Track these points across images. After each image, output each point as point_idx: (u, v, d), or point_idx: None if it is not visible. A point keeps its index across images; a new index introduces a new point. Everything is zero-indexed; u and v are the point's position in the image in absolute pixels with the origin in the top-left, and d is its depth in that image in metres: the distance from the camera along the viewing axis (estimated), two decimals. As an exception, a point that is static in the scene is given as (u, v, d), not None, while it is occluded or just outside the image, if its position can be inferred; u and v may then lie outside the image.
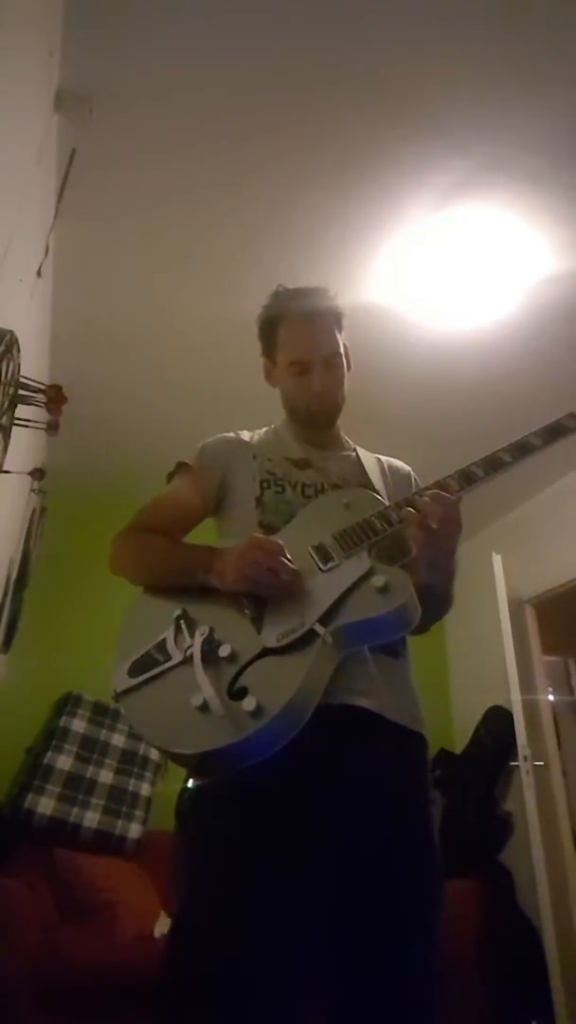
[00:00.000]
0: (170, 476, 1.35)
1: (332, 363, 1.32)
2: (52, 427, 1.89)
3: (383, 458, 1.42)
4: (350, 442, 1.43)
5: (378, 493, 1.26)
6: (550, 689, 3.95)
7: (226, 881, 0.95)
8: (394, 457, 1.45)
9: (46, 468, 2.81)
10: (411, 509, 1.10)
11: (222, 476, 1.30)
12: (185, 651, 0.99)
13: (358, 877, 1.00)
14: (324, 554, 1.09)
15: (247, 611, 1.03)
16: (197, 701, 0.91)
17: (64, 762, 2.95)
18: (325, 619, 0.99)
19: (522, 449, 1.19)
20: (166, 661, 1.00)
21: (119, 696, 1.00)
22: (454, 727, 4.13)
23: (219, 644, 0.99)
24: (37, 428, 1.91)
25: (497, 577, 3.48)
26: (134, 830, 2.94)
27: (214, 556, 1.09)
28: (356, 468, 1.35)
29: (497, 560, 3.53)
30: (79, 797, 2.88)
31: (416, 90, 1.91)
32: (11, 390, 1.49)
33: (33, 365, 2.08)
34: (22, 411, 1.67)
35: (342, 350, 1.34)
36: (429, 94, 1.92)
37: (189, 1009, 0.90)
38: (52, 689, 3.26)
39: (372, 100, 1.93)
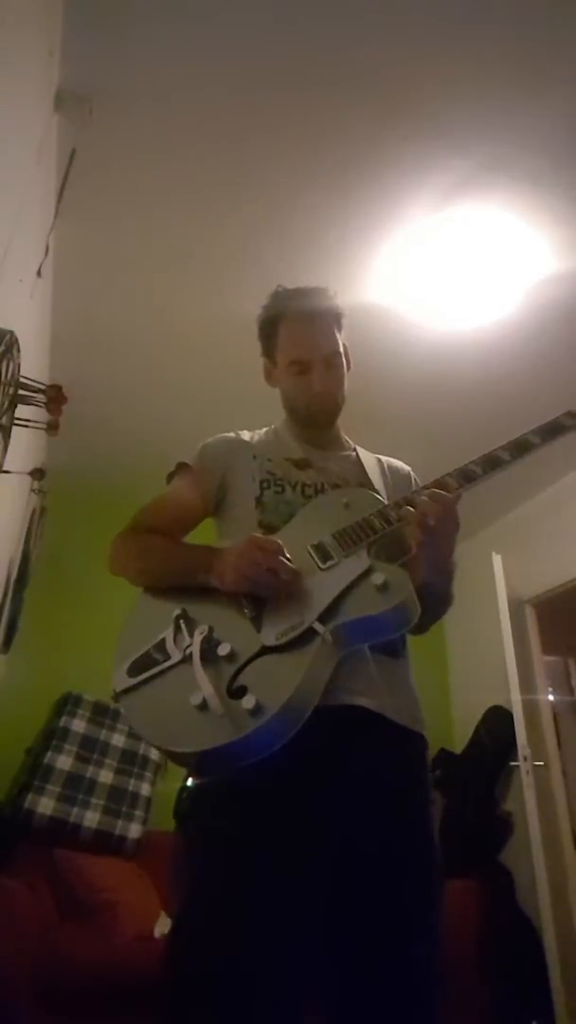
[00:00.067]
0: (170, 476, 1.35)
1: (332, 363, 1.32)
2: (52, 427, 1.89)
3: (383, 458, 1.43)
4: (350, 442, 1.43)
5: (378, 493, 1.26)
6: (550, 689, 3.95)
7: (226, 881, 0.95)
8: (394, 457, 1.45)
9: (46, 468, 2.81)
10: (410, 508, 1.10)
11: (222, 476, 1.30)
12: (184, 650, 0.99)
13: (358, 877, 1.00)
14: (323, 553, 1.09)
15: (246, 610, 1.03)
16: (196, 700, 0.92)
17: (64, 762, 2.95)
18: (324, 617, 0.99)
19: (521, 447, 1.19)
20: (165, 660, 1.00)
21: (118, 696, 1.01)
22: (454, 727, 4.13)
23: (218, 643, 0.99)
24: (37, 428, 1.91)
25: (497, 577, 3.48)
26: (134, 830, 2.94)
27: (214, 556, 1.09)
28: (356, 468, 1.35)
29: (497, 560, 3.53)
30: (79, 797, 2.88)
31: (416, 90, 1.91)
32: (11, 390, 1.49)
33: (33, 365, 2.08)
34: (22, 411, 1.67)
35: (342, 350, 1.34)
36: (429, 94, 1.92)
37: (189, 1009, 0.90)
38: (52, 689, 3.26)
39: (372, 100, 1.93)
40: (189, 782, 1.10)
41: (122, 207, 2.29)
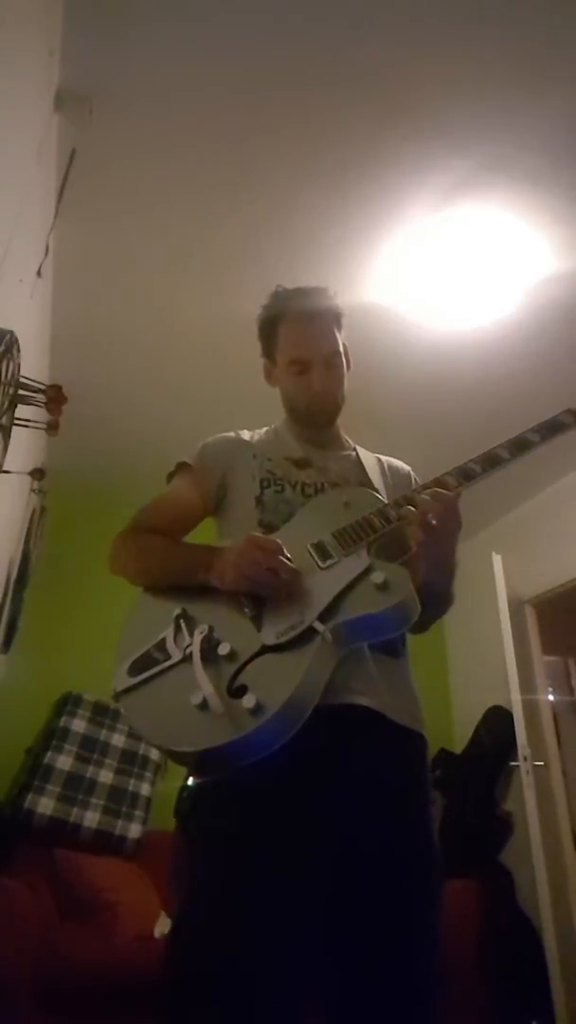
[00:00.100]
0: (170, 476, 1.35)
1: (332, 362, 1.32)
2: (52, 427, 1.89)
3: (383, 458, 1.43)
4: (350, 441, 1.43)
5: (377, 492, 1.26)
6: (550, 689, 3.95)
7: (226, 881, 0.95)
8: (394, 457, 1.45)
9: (46, 468, 2.81)
10: (410, 507, 1.10)
11: (222, 476, 1.30)
12: (184, 650, 0.99)
13: (358, 877, 1.00)
14: (323, 552, 1.09)
15: (246, 610, 1.03)
16: (197, 699, 0.91)
17: (64, 762, 2.95)
18: (324, 616, 0.99)
19: (520, 446, 1.19)
20: (166, 660, 1.00)
21: (119, 695, 1.01)
22: (454, 727, 4.14)
23: (218, 643, 0.99)
24: (37, 428, 1.91)
25: (497, 577, 3.48)
26: (134, 830, 2.94)
27: (214, 555, 1.09)
28: (356, 467, 1.35)
29: (497, 560, 3.53)
30: (79, 797, 2.88)
31: (416, 90, 1.91)
32: (11, 390, 1.49)
33: (33, 365, 2.08)
34: (22, 411, 1.67)
35: (342, 349, 1.34)
36: (429, 94, 1.92)
37: (189, 1009, 0.90)
38: (52, 689, 3.26)
39: (372, 100, 1.93)
40: (190, 781, 1.09)
41: (122, 207, 2.29)
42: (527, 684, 3.36)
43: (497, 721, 3.71)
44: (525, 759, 3.13)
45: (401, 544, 1.15)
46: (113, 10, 1.74)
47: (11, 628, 2.80)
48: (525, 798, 3.09)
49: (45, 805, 2.77)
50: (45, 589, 3.42)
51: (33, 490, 2.81)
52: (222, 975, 0.89)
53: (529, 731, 3.22)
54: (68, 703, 3.17)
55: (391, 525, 1.11)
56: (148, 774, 3.16)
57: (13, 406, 1.57)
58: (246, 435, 1.38)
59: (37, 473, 2.52)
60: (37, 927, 2.24)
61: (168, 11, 1.73)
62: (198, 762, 0.96)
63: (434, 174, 2.13)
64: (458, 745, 3.96)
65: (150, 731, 1.00)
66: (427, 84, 1.89)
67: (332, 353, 1.32)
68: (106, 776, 3.03)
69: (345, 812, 1.01)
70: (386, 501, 1.19)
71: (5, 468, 1.60)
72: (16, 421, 1.63)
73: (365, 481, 1.31)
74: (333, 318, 1.35)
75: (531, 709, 3.35)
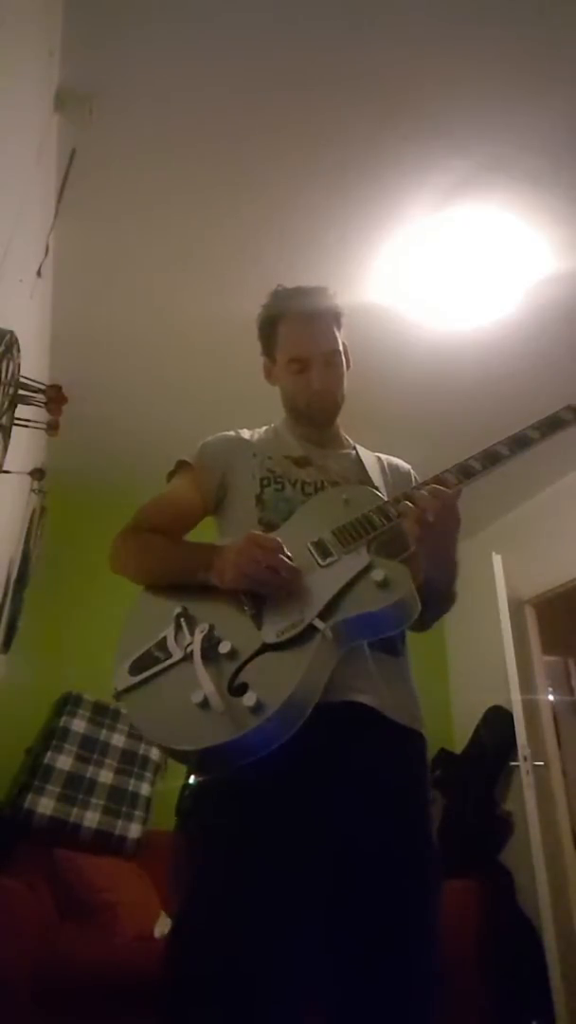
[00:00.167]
0: (170, 475, 1.35)
1: (331, 361, 1.32)
2: (52, 427, 1.89)
3: (383, 456, 1.43)
4: (350, 440, 1.44)
5: (378, 490, 1.26)
6: (550, 689, 3.95)
7: (226, 880, 0.95)
8: (394, 456, 1.45)
9: (46, 468, 2.81)
10: (409, 504, 1.10)
11: (222, 475, 1.30)
12: (185, 648, 0.99)
13: (358, 875, 1.00)
14: (323, 550, 1.09)
15: (247, 608, 1.03)
16: (197, 698, 0.92)
17: (64, 762, 2.94)
18: (325, 614, 0.99)
19: (520, 442, 1.19)
20: (167, 659, 1.00)
21: (120, 694, 1.00)
22: (454, 727, 4.14)
23: (219, 641, 0.99)
24: (37, 428, 1.91)
25: (497, 577, 3.48)
26: (134, 830, 2.94)
27: (214, 554, 1.09)
28: (356, 466, 1.35)
29: (497, 560, 3.53)
30: (79, 797, 2.87)
31: (416, 90, 1.91)
32: (11, 390, 1.49)
33: (33, 365, 2.08)
34: (22, 411, 1.67)
35: (341, 348, 1.35)
36: (429, 94, 1.92)
37: (189, 1009, 0.90)
38: (52, 689, 3.26)
39: (372, 100, 1.94)
40: (191, 780, 1.09)
41: (122, 207, 2.30)
42: (527, 684, 3.36)
43: (497, 721, 3.71)
44: (525, 759, 3.13)
45: (401, 542, 1.15)
46: (113, 10, 1.74)
47: (11, 628, 2.79)
48: (525, 798, 3.09)
49: (45, 805, 2.77)
50: (45, 589, 3.42)
51: (33, 490, 2.81)
52: (222, 974, 0.89)
53: (529, 731, 3.22)
54: (68, 703, 3.17)
55: (391, 523, 1.11)
56: (148, 774, 3.16)
57: (13, 406, 1.56)
58: (246, 434, 1.39)
59: (37, 473, 2.52)
60: (37, 927, 2.24)
61: (168, 11, 1.73)
62: (199, 760, 0.97)
63: (434, 174, 2.13)
64: (458, 745, 3.96)
65: (151, 730, 1.00)
66: (427, 84, 1.90)
67: (332, 352, 1.33)
68: (106, 776, 3.03)
69: (345, 811, 1.01)
70: (386, 499, 1.19)
71: (5, 468, 1.60)
72: (16, 421, 1.63)
73: (365, 480, 1.31)
74: (333, 317, 1.35)
75: (531, 709, 3.35)
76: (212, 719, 0.90)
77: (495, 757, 3.66)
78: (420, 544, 1.11)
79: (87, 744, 3.07)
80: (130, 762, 3.14)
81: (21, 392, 1.60)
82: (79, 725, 3.11)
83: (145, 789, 3.10)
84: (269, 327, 1.36)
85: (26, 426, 1.75)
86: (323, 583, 1.04)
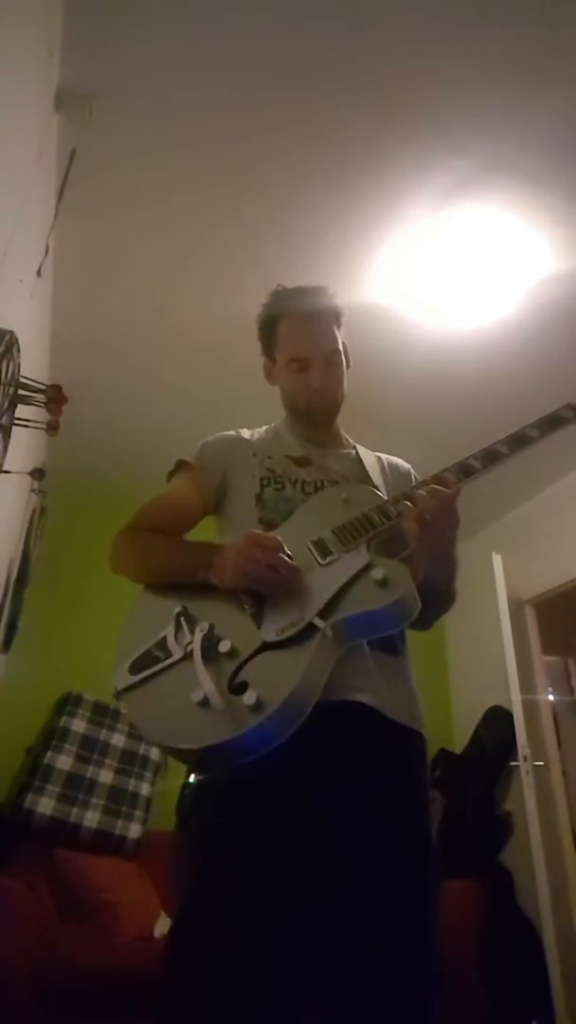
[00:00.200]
0: (170, 475, 1.36)
1: (331, 360, 1.33)
2: (52, 427, 1.89)
3: (383, 456, 1.43)
4: (350, 440, 1.44)
5: (378, 489, 1.26)
6: (550, 689, 3.95)
7: (226, 879, 0.95)
8: (394, 456, 1.45)
9: (46, 468, 2.81)
10: (409, 503, 1.10)
11: (222, 474, 1.30)
12: (185, 647, 0.99)
13: (358, 875, 1.00)
14: (323, 549, 1.09)
15: (247, 607, 1.03)
16: (198, 697, 0.92)
17: (64, 762, 2.94)
18: (325, 613, 0.99)
19: (519, 441, 1.19)
20: (167, 658, 1.00)
21: (120, 694, 1.00)
22: (454, 727, 4.14)
23: (219, 640, 0.99)
24: (37, 428, 1.91)
25: (497, 577, 3.48)
26: (134, 830, 2.94)
27: (214, 553, 1.09)
28: (356, 466, 1.35)
29: (497, 560, 3.53)
30: (79, 797, 2.88)
31: (416, 90, 1.91)
32: (11, 390, 1.49)
33: (33, 365, 2.08)
34: (22, 411, 1.67)
35: (341, 348, 1.35)
36: (429, 94, 1.92)
37: (189, 1009, 0.90)
38: (52, 689, 3.26)
39: (372, 100, 1.94)
40: (191, 779, 1.09)
41: (122, 207, 2.30)
42: (527, 684, 3.36)
43: (497, 721, 3.71)
44: (525, 759, 3.13)
45: (401, 541, 1.15)
46: (113, 10, 1.75)
47: (11, 628, 2.79)
48: (525, 798, 3.09)
49: (45, 805, 2.77)
50: (45, 589, 3.42)
51: (33, 490, 2.81)
52: (222, 974, 0.89)
53: (529, 731, 3.22)
54: (68, 703, 3.17)
55: (391, 522, 1.11)
56: (148, 774, 3.16)
57: (13, 406, 1.56)
58: (246, 434, 1.39)
59: (37, 473, 2.52)
60: (37, 927, 2.24)
61: (168, 11, 1.73)
62: (199, 759, 0.96)
63: (434, 174, 2.14)
64: (458, 745, 3.96)
65: (151, 729, 1.00)
66: (427, 84, 1.90)
67: (331, 351, 1.33)
68: (106, 776, 3.03)
69: (345, 810, 1.01)
70: (386, 498, 1.19)
71: (5, 468, 1.60)
72: (16, 421, 1.63)
73: (365, 479, 1.31)
74: (332, 317, 1.35)
75: (531, 709, 3.35)
76: (212, 718, 0.90)
77: (495, 757, 3.66)
78: (420, 543, 1.11)
79: (87, 744, 3.07)
80: (130, 762, 3.14)
81: (21, 392, 1.60)
82: (79, 725, 3.11)
83: (145, 789, 3.10)
84: (269, 327, 1.37)
85: (26, 426, 1.75)
86: (323, 582, 1.04)
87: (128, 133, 2.05)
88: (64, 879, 2.62)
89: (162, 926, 2.61)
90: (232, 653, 0.97)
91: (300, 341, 1.32)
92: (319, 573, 1.06)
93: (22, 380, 1.57)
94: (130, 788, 3.05)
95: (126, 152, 2.11)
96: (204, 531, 1.31)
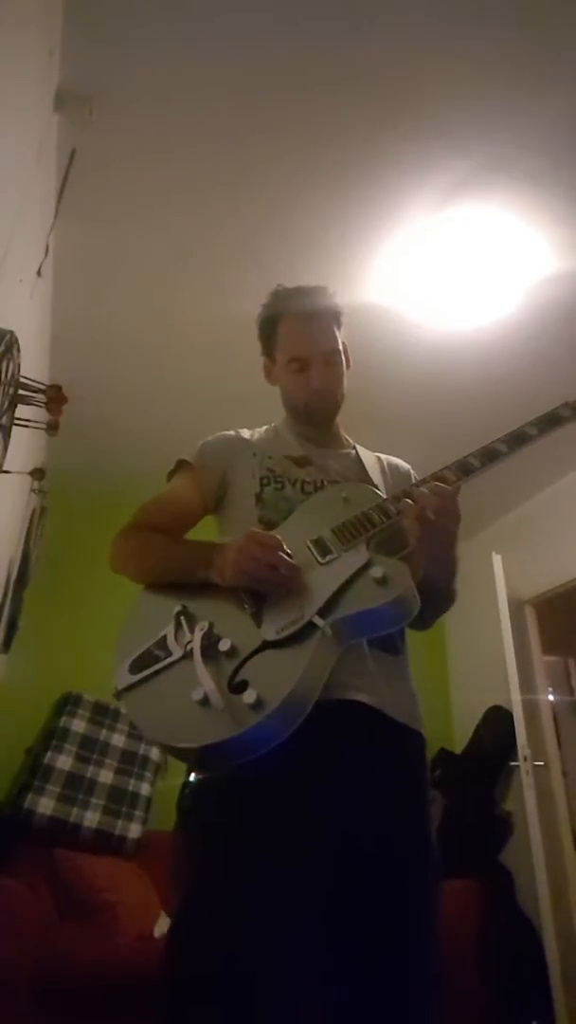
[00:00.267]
0: (170, 474, 1.36)
1: (331, 360, 1.33)
2: (52, 427, 1.89)
3: (383, 456, 1.43)
4: (350, 440, 1.44)
5: (377, 488, 1.26)
6: (550, 689, 3.95)
7: (226, 878, 0.95)
8: (394, 456, 1.46)
9: (46, 468, 2.81)
10: (409, 502, 1.10)
11: (222, 474, 1.31)
12: (185, 647, 0.99)
13: (358, 874, 1.00)
14: (322, 547, 1.09)
15: (246, 606, 1.03)
16: (198, 695, 0.92)
17: (64, 762, 2.95)
18: (324, 611, 0.99)
19: (519, 439, 1.19)
20: (167, 657, 1.00)
21: (120, 693, 1.00)
22: (454, 727, 4.14)
23: (219, 639, 0.99)
24: (37, 428, 1.91)
25: (497, 577, 3.48)
26: (134, 830, 2.94)
27: (214, 552, 1.09)
28: (356, 466, 1.36)
29: (497, 560, 3.53)
30: (79, 797, 2.88)
31: (416, 90, 1.91)
32: (11, 390, 1.49)
33: (33, 365, 2.08)
34: (22, 411, 1.67)
35: (341, 348, 1.35)
36: (429, 94, 1.92)
37: (189, 1008, 0.90)
38: (52, 689, 3.26)
39: (372, 100, 1.94)
40: (192, 778, 1.09)
41: (122, 207, 2.30)
42: (527, 684, 3.36)
43: (497, 721, 3.71)
44: (525, 759, 3.13)
45: (401, 539, 1.15)
46: (113, 10, 1.75)
47: (11, 628, 2.80)
48: (525, 798, 3.09)
49: (45, 805, 2.77)
50: (45, 589, 3.42)
51: (33, 490, 2.81)
52: (222, 973, 0.89)
53: (529, 731, 3.22)
54: (68, 703, 3.17)
55: (390, 520, 1.11)
56: (148, 774, 3.16)
57: (13, 406, 1.57)
58: (246, 433, 1.39)
59: (37, 473, 2.52)
60: (37, 927, 2.24)
61: (168, 11, 1.73)
62: (199, 758, 0.96)
63: (434, 174, 2.14)
64: (458, 745, 3.96)
65: (151, 728, 1.00)
66: (427, 84, 1.90)
67: (331, 351, 1.33)
68: (106, 776, 3.03)
69: (345, 809, 1.01)
70: (385, 497, 1.19)
71: (5, 468, 1.60)
72: (16, 421, 1.63)
73: (365, 479, 1.31)
74: (332, 317, 1.35)
75: (531, 709, 3.35)
76: (212, 716, 0.90)
77: (495, 757, 3.66)
78: (420, 541, 1.11)
79: (87, 744, 3.07)
80: (130, 762, 3.14)
81: (21, 392, 1.60)
82: (79, 725, 3.11)
83: (145, 789, 3.10)
84: (269, 327, 1.37)
85: (26, 426, 1.75)
86: (323, 580, 1.04)
87: (128, 133, 2.05)
88: (64, 879, 2.62)
89: (162, 926, 2.61)
90: (232, 652, 0.97)
91: (300, 341, 1.33)
92: (319, 572, 1.06)
93: (22, 380, 1.58)
94: (130, 788, 3.05)
95: (126, 152, 2.11)
96: (204, 531, 1.31)
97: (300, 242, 2.39)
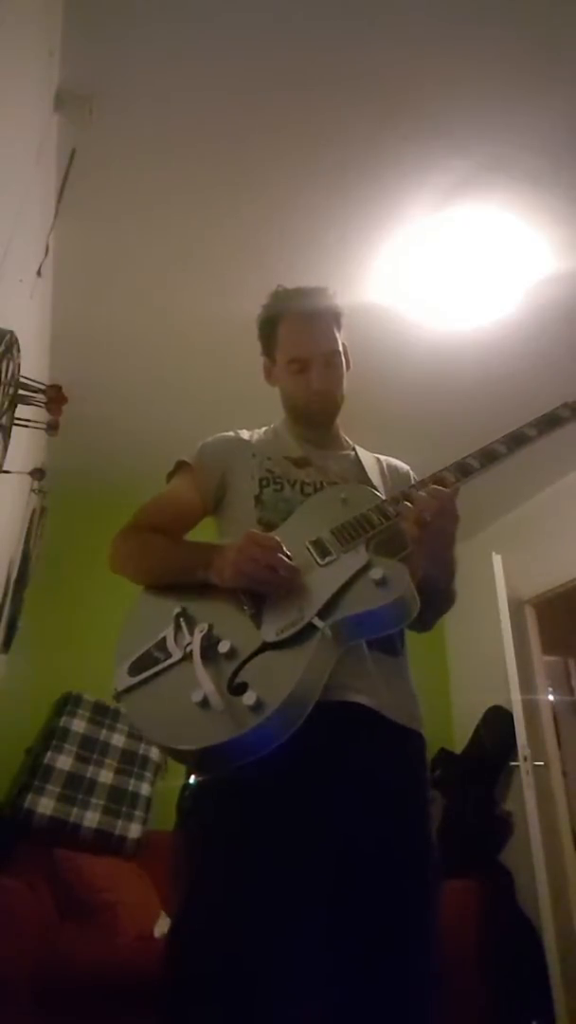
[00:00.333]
0: (170, 475, 1.36)
1: (331, 361, 1.32)
2: (52, 427, 1.89)
3: (382, 457, 1.43)
4: (349, 441, 1.44)
5: (376, 490, 1.26)
6: (550, 689, 3.95)
7: (226, 879, 0.95)
8: (394, 457, 1.45)
9: (46, 468, 2.81)
10: (408, 504, 1.10)
11: (222, 475, 1.30)
12: (185, 648, 0.99)
13: (358, 875, 1.00)
14: (322, 549, 1.09)
15: (246, 607, 1.03)
16: (197, 697, 0.92)
17: (64, 762, 2.95)
18: (324, 613, 0.99)
19: (518, 440, 1.19)
20: (166, 659, 1.00)
21: (120, 695, 1.00)
22: (454, 727, 4.14)
23: (218, 640, 0.99)
24: (37, 428, 1.91)
25: (497, 577, 3.48)
26: (134, 830, 2.94)
27: (213, 553, 1.09)
28: (355, 467, 1.35)
29: (497, 560, 3.53)
30: (79, 797, 2.88)
31: (416, 90, 1.91)
32: (11, 390, 1.49)
33: (33, 365, 2.08)
34: (22, 411, 1.67)
35: (341, 349, 1.35)
36: (429, 94, 1.92)
37: (189, 1008, 0.90)
38: (52, 689, 3.26)
39: (372, 100, 1.94)
40: (192, 779, 1.09)
41: (122, 207, 2.30)
42: (527, 684, 3.36)
43: (497, 721, 3.71)
44: (525, 759, 3.13)
45: (400, 541, 1.15)
46: (113, 10, 1.74)
47: (11, 628, 2.79)
48: (525, 798, 3.09)
49: (45, 805, 2.77)
50: (45, 589, 3.42)
51: (33, 490, 2.81)
52: (222, 973, 0.89)
53: (529, 731, 3.22)
54: (68, 703, 3.17)
55: (389, 522, 1.11)
56: (148, 774, 3.16)
57: (13, 406, 1.56)
58: (245, 434, 1.39)
59: (37, 473, 2.52)
60: (37, 927, 2.24)
61: (168, 11, 1.73)
62: (199, 760, 0.96)
63: (434, 174, 2.13)
64: (458, 745, 3.96)
65: (151, 730, 1.00)
66: (427, 84, 1.90)
67: (331, 352, 1.33)
68: (106, 776, 3.03)
69: (345, 810, 1.01)
70: (384, 498, 1.19)
71: (5, 468, 1.60)
72: (16, 421, 1.63)
73: (364, 480, 1.31)
74: (333, 318, 1.35)
75: (531, 709, 3.35)
76: (212, 718, 0.90)
77: (495, 757, 3.66)
78: (419, 543, 1.11)
79: (87, 744, 3.07)
80: (130, 762, 3.14)
81: (21, 392, 1.60)
82: (79, 725, 3.11)
83: (145, 789, 3.10)
84: (269, 327, 1.37)
85: (26, 426, 1.75)
86: (322, 582, 1.04)
87: (128, 133, 2.05)
88: (64, 879, 2.62)
89: (162, 926, 2.61)
90: (232, 653, 0.97)
91: (300, 342, 1.32)
92: (318, 573, 1.06)
93: (22, 380, 1.58)
94: (130, 788, 3.06)
95: (126, 152, 2.11)
96: (204, 532, 1.31)
97: (300, 242, 2.39)
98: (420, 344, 2.82)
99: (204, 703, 0.91)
